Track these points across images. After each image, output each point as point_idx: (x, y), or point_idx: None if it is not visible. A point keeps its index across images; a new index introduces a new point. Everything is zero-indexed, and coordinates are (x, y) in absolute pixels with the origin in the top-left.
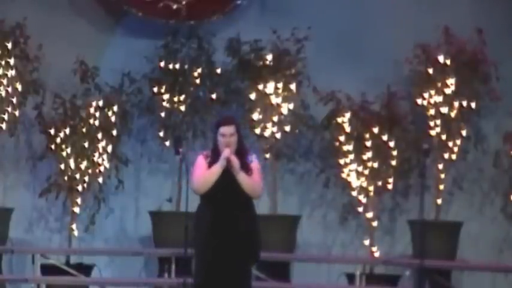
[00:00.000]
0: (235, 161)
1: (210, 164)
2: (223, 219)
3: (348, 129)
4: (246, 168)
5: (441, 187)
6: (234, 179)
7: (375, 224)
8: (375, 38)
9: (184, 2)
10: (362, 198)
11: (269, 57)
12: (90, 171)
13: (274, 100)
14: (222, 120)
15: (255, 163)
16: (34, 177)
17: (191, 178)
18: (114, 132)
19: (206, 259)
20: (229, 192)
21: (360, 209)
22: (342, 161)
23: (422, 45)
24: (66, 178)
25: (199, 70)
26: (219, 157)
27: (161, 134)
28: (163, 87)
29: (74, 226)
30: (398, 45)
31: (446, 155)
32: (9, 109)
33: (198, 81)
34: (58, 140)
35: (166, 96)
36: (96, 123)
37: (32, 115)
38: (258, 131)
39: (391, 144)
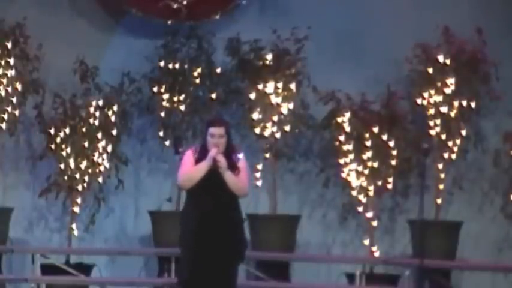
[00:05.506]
0: (222, 161)
1: (198, 161)
2: (209, 218)
3: (347, 129)
4: (233, 167)
5: (441, 187)
6: (221, 178)
7: (374, 223)
8: (374, 37)
9: (184, 2)
10: (362, 198)
11: (269, 57)
12: (90, 171)
13: (274, 100)
14: (213, 121)
15: (242, 162)
16: (34, 177)
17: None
18: (114, 132)
19: (191, 257)
20: (215, 191)
21: (360, 209)
22: (341, 161)
23: (422, 45)
24: (66, 178)
25: (199, 70)
26: (207, 155)
27: (161, 133)
28: (163, 87)
29: (73, 226)
30: (398, 45)
31: (446, 155)
32: (9, 109)
33: (198, 81)
34: (58, 139)
35: (166, 96)
36: (96, 123)
37: (31, 115)
38: (257, 130)
39: (391, 144)
